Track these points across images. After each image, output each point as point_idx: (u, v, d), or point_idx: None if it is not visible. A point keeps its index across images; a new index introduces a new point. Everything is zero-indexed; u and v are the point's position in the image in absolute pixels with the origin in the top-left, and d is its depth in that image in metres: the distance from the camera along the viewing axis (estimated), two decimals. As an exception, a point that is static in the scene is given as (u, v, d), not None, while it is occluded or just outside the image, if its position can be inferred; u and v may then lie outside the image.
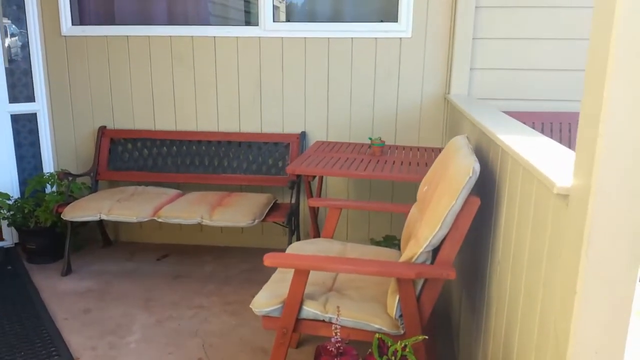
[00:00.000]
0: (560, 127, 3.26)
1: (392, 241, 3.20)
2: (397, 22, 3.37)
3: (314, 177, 3.07)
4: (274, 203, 3.28)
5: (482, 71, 3.31)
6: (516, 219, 1.58)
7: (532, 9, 3.18)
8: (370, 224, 3.62)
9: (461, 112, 2.69)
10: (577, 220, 1.09)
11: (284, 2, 3.79)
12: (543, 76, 3.27)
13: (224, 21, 3.67)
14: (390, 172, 2.66)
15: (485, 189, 2.01)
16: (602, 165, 1.02)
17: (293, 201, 3.20)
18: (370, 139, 3.07)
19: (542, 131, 3.25)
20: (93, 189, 3.56)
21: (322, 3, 3.58)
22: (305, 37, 3.45)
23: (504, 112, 3.20)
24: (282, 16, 3.78)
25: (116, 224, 3.80)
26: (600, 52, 1.02)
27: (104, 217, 3.03)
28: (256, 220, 2.94)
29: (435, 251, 1.85)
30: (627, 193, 1.02)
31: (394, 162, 2.87)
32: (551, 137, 3.26)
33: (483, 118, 2.24)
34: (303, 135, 3.49)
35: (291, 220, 3.13)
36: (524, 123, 3.22)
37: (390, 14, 3.40)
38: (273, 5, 3.48)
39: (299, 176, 3.14)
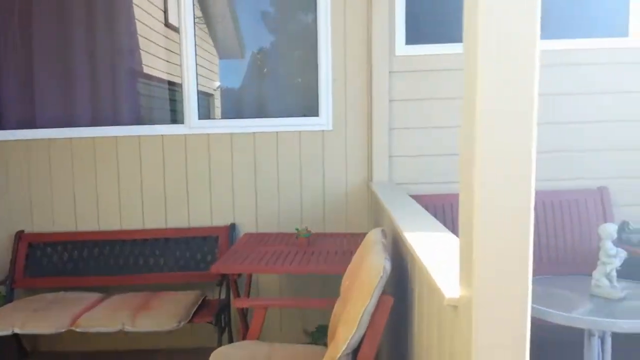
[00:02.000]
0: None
1: (324, 332, 3.16)
2: (318, 116, 3.54)
3: (239, 274, 3.04)
4: (203, 300, 3.19)
5: (400, 158, 3.49)
6: (425, 320, 1.63)
7: (437, 100, 3.44)
8: (305, 314, 3.57)
9: (379, 202, 2.80)
10: (466, 331, 1.14)
11: (219, 89, 3.92)
12: (453, 160, 3.47)
13: (149, 119, 3.72)
14: (316, 264, 2.68)
15: (404, 283, 2.06)
16: (480, 276, 1.09)
17: (222, 298, 3.13)
18: (297, 229, 3.11)
19: (453, 210, 3.41)
20: (8, 298, 3.34)
21: (248, 99, 3.73)
22: (231, 133, 3.54)
23: (420, 195, 3.37)
24: (217, 102, 3.89)
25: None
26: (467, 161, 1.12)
27: (17, 331, 2.83)
28: (182, 323, 2.84)
29: (356, 351, 1.85)
30: (506, 302, 1.09)
31: (320, 252, 2.90)
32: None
33: (396, 211, 2.34)
34: (232, 227, 3.49)
35: (220, 319, 3.05)
36: (439, 205, 3.39)
37: (311, 109, 3.57)
38: (198, 96, 3.57)
39: (225, 274, 3.10)
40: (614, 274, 2.24)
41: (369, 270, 1.85)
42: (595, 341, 2.21)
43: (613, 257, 2.20)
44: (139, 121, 3.65)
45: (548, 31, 3.47)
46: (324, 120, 3.52)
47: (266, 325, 3.58)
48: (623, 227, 3.36)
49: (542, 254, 3.26)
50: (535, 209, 3.30)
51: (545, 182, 3.38)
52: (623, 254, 2.23)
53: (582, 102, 3.39)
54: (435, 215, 3.33)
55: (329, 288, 3.56)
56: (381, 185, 3.30)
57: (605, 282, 2.22)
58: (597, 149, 3.39)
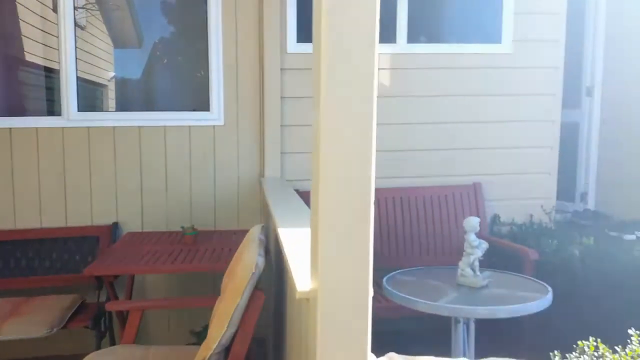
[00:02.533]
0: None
1: (212, 331, 3.11)
2: (209, 111, 3.46)
3: (116, 276, 2.90)
4: (82, 303, 3.01)
5: (292, 155, 3.52)
6: (292, 312, 1.65)
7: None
8: (192, 314, 3.49)
9: (266, 198, 2.80)
10: (313, 321, 1.17)
11: (113, 80, 3.70)
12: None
13: (24, 110, 3.44)
14: (198, 262, 2.63)
15: (283, 278, 2.08)
16: (324, 270, 1.12)
17: (102, 301, 2.97)
18: (183, 227, 3.03)
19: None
20: None
21: (141, 90, 3.58)
22: (114, 127, 3.36)
23: (309, 191, 3.41)
24: (112, 94, 3.67)
25: None
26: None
27: None
28: (54, 329, 2.66)
29: (229, 349, 1.84)
30: (348, 295, 1.13)
31: (206, 250, 2.84)
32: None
33: (277, 207, 2.35)
34: (115, 226, 3.32)
35: (99, 323, 2.89)
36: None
37: (202, 103, 3.49)
38: (85, 86, 3.37)
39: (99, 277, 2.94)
40: (477, 263, 2.42)
41: (242, 268, 1.84)
42: (461, 327, 2.37)
43: (476, 248, 2.38)
44: (11, 112, 3.36)
45: (435, 36, 3.66)
46: (215, 115, 3.46)
47: (154, 326, 3.47)
48: (494, 220, 3.64)
49: (422, 246, 3.44)
50: (416, 203, 3.48)
51: (426, 178, 3.57)
52: (485, 245, 2.41)
53: (460, 104, 3.62)
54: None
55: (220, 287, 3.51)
56: (271, 181, 3.31)
57: (469, 271, 2.40)
58: (472, 148, 3.64)
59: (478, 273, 2.42)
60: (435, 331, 2.82)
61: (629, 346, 1.89)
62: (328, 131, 1.09)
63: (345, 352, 1.12)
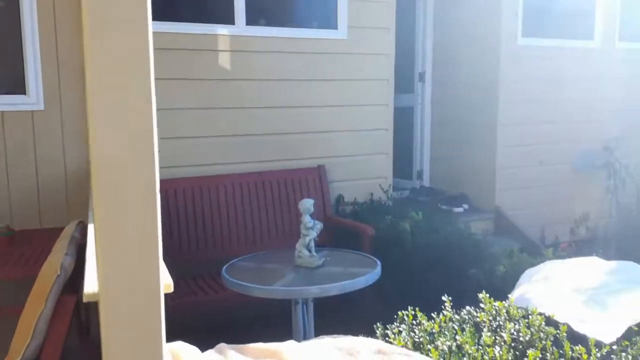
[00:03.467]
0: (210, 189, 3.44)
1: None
2: (25, 94, 3.08)
3: None
4: None
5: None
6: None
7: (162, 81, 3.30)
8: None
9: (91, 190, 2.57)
10: (101, 325, 1.07)
11: None
12: (184, 143, 3.39)
13: None
14: (13, 267, 2.34)
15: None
16: (106, 269, 1.03)
17: None
18: (-5, 229, 2.67)
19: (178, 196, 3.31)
20: None
21: None
22: None
23: (175, 179, 3.22)
24: None
25: None
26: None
27: None
28: None
29: (37, 361, 1.65)
30: (136, 295, 1.05)
31: (22, 253, 2.54)
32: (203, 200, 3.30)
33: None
34: None
35: None
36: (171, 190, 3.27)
37: (15, 85, 3.08)
38: None
39: None
40: (312, 244, 2.47)
41: (45, 271, 1.66)
42: (300, 308, 2.41)
43: (310, 229, 2.43)
44: None
45: (275, 20, 3.63)
46: (33, 98, 3.08)
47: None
48: (339, 200, 3.78)
49: (270, 230, 3.45)
50: (263, 188, 3.47)
51: (272, 162, 3.57)
52: (319, 226, 2.47)
53: (301, 88, 3.65)
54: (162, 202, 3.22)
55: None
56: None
57: (306, 252, 2.44)
58: (314, 131, 3.71)
59: (314, 253, 2.47)
60: (280, 314, 2.84)
61: (443, 312, 2.07)
62: (98, 115, 0.99)
63: (130, 354, 1.04)
